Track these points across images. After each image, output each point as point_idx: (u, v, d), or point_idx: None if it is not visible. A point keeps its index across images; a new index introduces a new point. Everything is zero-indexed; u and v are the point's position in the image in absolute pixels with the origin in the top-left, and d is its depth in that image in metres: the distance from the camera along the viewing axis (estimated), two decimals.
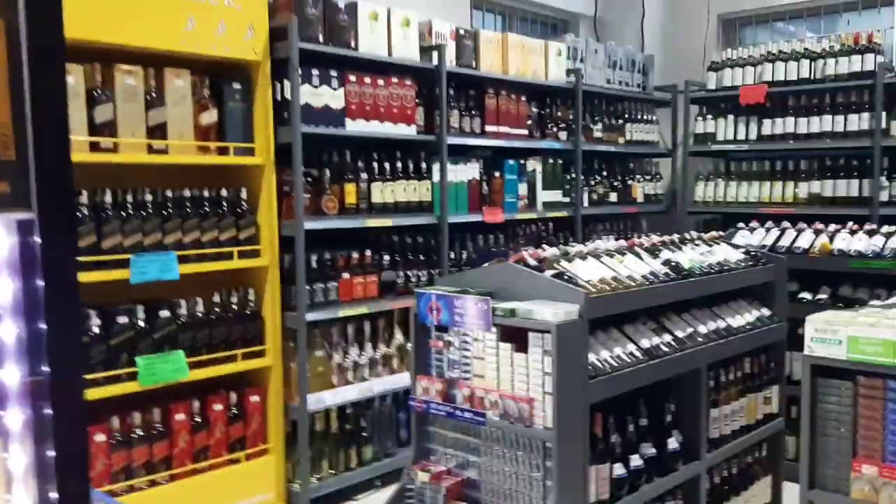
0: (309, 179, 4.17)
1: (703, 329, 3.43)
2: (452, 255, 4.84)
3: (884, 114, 5.41)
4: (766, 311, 3.91)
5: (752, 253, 3.96)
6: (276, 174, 4.01)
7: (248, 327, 3.94)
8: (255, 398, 3.97)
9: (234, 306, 3.91)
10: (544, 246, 3.19)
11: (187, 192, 3.74)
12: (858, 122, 5.54)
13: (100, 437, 3.42)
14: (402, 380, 4.46)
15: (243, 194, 3.95)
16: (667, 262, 3.38)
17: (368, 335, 4.39)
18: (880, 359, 2.06)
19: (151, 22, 3.50)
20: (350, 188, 4.32)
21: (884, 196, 5.45)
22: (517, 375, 2.76)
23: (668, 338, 3.25)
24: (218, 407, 3.82)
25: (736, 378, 3.67)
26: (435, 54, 4.68)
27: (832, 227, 4.65)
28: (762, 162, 6.17)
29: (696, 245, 3.77)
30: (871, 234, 4.48)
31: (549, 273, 2.90)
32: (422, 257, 4.68)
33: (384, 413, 4.49)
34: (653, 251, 3.47)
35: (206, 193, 3.81)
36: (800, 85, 5.82)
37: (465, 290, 2.94)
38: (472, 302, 2.79)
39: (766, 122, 6.01)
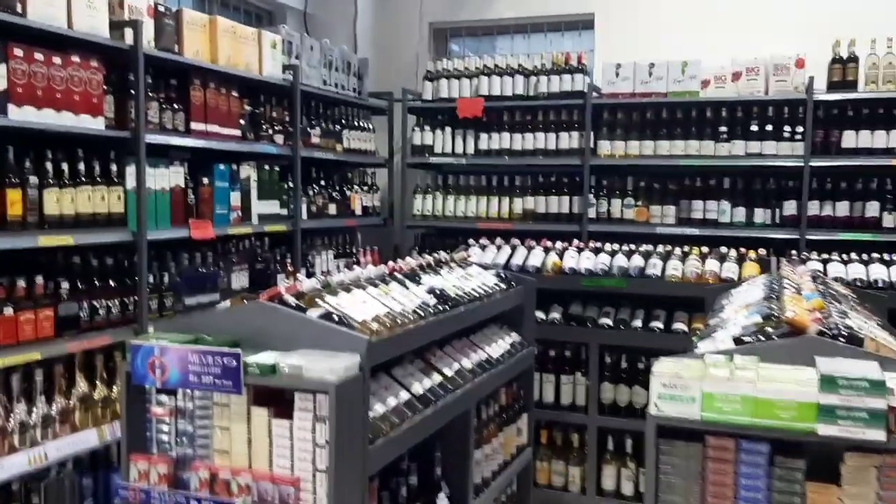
0: None
1: (467, 363, 3.07)
2: (151, 280, 3.96)
3: (592, 133, 5.59)
4: (516, 337, 3.69)
5: (503, 275, 3.70)
6: None
7: None
8: None
9: None
10: (299, 277, 2.58)
11: None
12: (569, 140, 5.67)
13: None
14: (87, 438, 3.51)
15: None
16: (432, 291, 2.95)
17: (41, 387, 3.36)
18: (739, 418, 1.81)
19: None
20: (14, 195, 3.27)
21: (591, 213, 5.63)
22: (277, 449, 2.14)
23: (437, 378, 2.82)
24: None
25: (495, 412, 3.38)
26: (129, 32, 3.78)
27: (559, 244, 4.62)
28: (479, 177, 6.10)
29: (451, 268, 3.41)
30: (596, 252, 4.50)
31: (314, 313, 2.30)
32: (112, 283, 3.75)
33: (65, 484, 3.49)
34: (413, 277, 3.03)
35: None
36: (515, 101, 5.82)
37: (199, 339, 2.23)
38: (213, 356, 2.10)
39: (483, 136, 5.94)
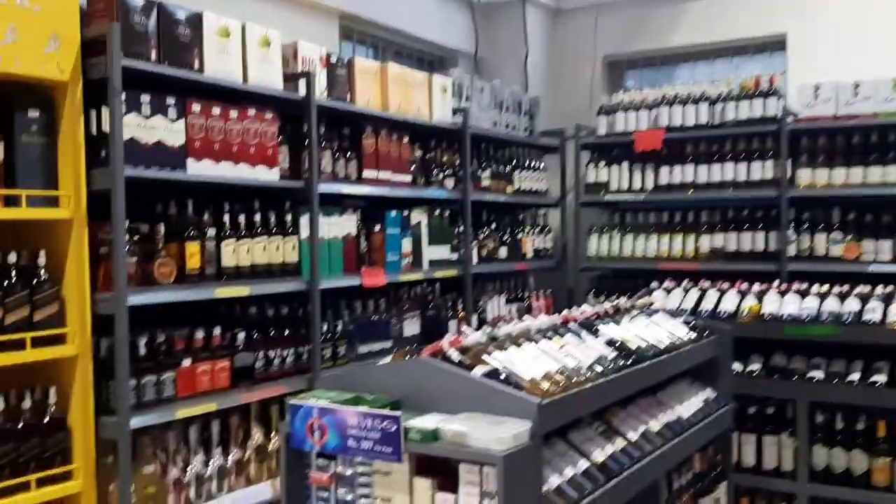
0: (136, 238, 3.17)
1: (654, 425, 2.73)
2: (325, 328, 3.93)
3: (789, 161, 5.05)
4: (710, 392, 3.28)
5: (693, 323, 3.32)
6: (90, 231, 2.99)
7: (46, 442, 2.85)
8: None
9: (27, 414, 2.82)
10: (466, 330, 2.37)
11: None
12: (762, 170, 5.16)
13: None
14: (262, 491, 3.48)
15: (41, 259, 2.89)
16: (612, 343, 2.65)
17: (217, 438, 3.38)
18: None
19: None
20: (193, 248, 3.34)
21: (792, 250, 5.06)
22: None
23: (620, 443, 2.50)
24: None
25: (689, 481, 2.99)
26: (302, 83, 3.82)
27: (756, 286, 4.14)
28: (659, 213, 5.70)
29: (633, 316, 3.08)
30: (802, 294, 3.98)
31: (479, 371, 2.08)
32: (286, 333, 3.74)
33: None
34: (589, 327, 2.75)
35: None
36: (699, 131, 5.40)
37: (358, 399, 2.07)
38: (373, 419, 1.93)
39: (664, 170, 5.55)
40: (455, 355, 2.14)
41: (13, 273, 2.80)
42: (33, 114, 2.90)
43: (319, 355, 3.82)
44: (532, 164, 5.79)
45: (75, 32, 2.94)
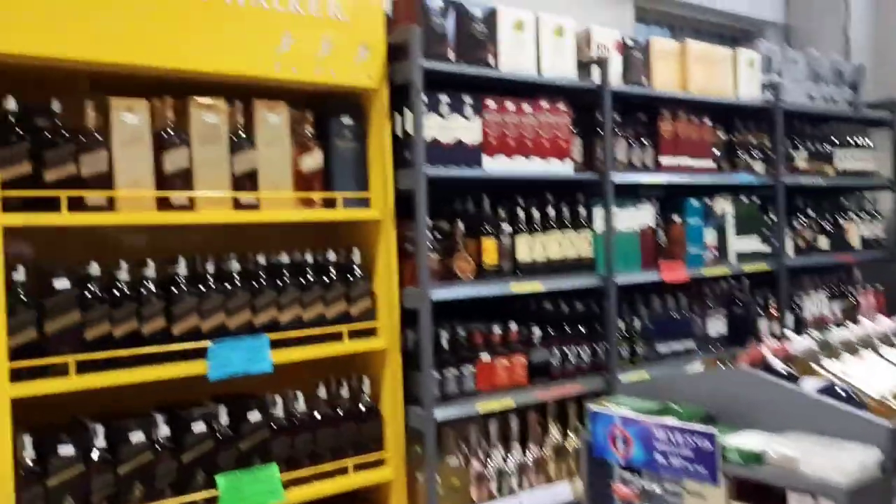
0: (436, 235, 3.26)
1: None
2: (621, 325, 3.77)
3: None
4: None
5: None
6: (397, 230, 3.13)
7: (361, 429, 3.04)
8: None
9: (345, 402, 3.03)
10: (786, 333, 2.09)
11: (284, 258, 2.92)
12: None
13: None
14: (561, 491, 3.42)
15: (355, 257, 3.09)
16: None
17: (516, 434, 3.38)
18: None
19: (236, 42, 2.72)
20: (489, 244, 3.37)
21: None
22: None
23: None
24: None
25: None
26: (596, 70, 3.69)
27: None
28: None
29: None
30: None
31: (810, 384, 1.80)
32: (582, 330, 3.64)
33: None
34: None
35: (307, 258, 2.98)
36: None
37: (667, 408, 1.90)
38: (683, 434, 1.74)
39: None
40: (779, 365, 1.88)
41: (331, 270, 3.02)
42: (346, 120, 3.10)
43: (616, 353, 3.68)
44: (856, 142, 5.09)
45: (381, 40, 3.09)
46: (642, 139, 3.92)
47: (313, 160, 2.99)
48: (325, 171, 3.03)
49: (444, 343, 3.22)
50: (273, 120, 2.90)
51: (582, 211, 3.67)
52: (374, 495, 3.11)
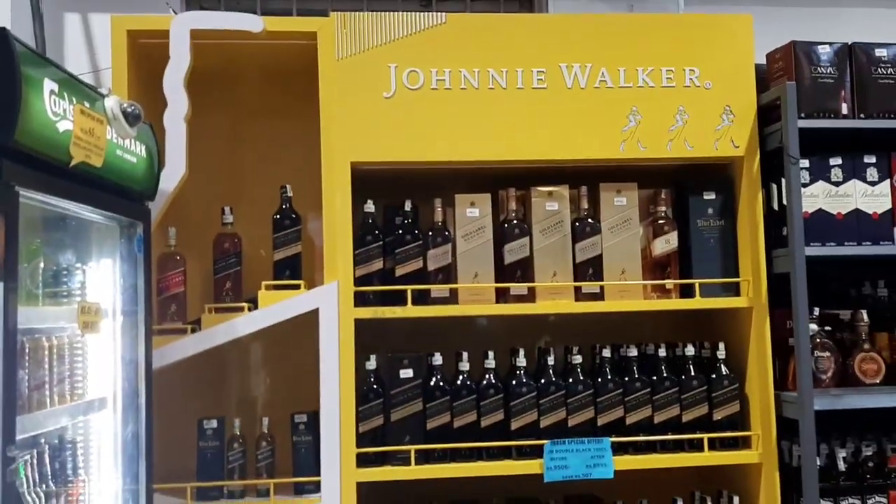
0: (828, 327, 2.65)
1: None
2: None
3: None
4: None
5: None
6: (773, 320, 2.63)
7: None
8: None
9: None
10: None
11: (633, 351, 2.66)
12: None
13: None
14: None
15: (720, 352, 2.67)
16: None
17: None
18: None
19: (577, 126, 2.61)
20: None
21: None
22: None
23: None
24: None
25: None
26: None
27: None
28: None
29: None
30: None
31: None
32: None
33: None
34: None
35: (660, 352, 2.66)
36: None
37: None
38: None
39: None
40: None
41: (688, 367, 2.65)
42: (708, 196, 2.74)
43: None
44: None
45: (750, 101, 2.68)
46: None
47: (666, 243, 2.70)
48: (683, 253, 2.71)
49: (841, 463, 2.57)
50: (619, 203, 2.69)
51: None
52: None
